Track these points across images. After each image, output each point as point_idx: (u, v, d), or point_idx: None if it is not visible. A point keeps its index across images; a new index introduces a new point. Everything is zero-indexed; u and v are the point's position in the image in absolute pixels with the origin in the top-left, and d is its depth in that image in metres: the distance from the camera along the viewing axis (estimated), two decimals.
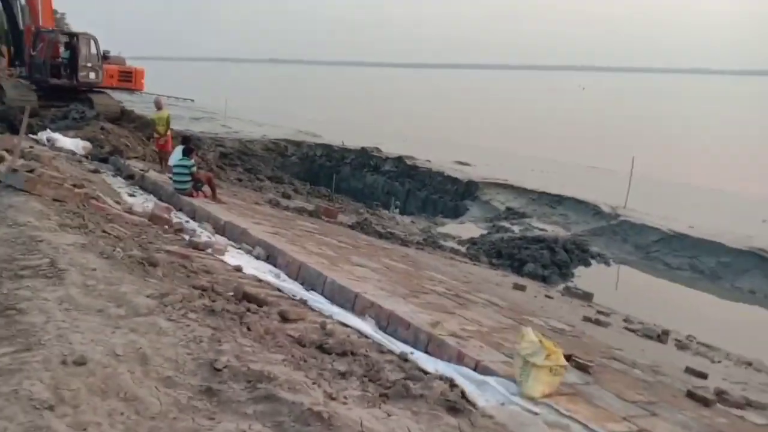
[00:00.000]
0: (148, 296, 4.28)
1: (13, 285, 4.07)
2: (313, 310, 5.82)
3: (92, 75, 18.37)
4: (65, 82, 18.30)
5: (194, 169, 10.25)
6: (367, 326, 5.61)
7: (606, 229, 18.83)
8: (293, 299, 6.04)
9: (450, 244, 17.41)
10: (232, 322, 4.28)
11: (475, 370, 4.80)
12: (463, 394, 4.17)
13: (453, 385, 4.32)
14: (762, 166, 28.03)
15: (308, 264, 7.00)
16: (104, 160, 12.79)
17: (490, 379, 4.54)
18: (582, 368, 5.47)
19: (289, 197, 16.47)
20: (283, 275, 6.92)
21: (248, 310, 4.96)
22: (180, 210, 9.67)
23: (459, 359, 4.98)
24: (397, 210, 22.41)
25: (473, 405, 4.06)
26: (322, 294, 6.49)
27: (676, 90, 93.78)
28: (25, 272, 4.30)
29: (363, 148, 28.49)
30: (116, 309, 4.02)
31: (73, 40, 18.64)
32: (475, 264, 14.49)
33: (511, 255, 16.43)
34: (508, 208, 21.50)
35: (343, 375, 4.10)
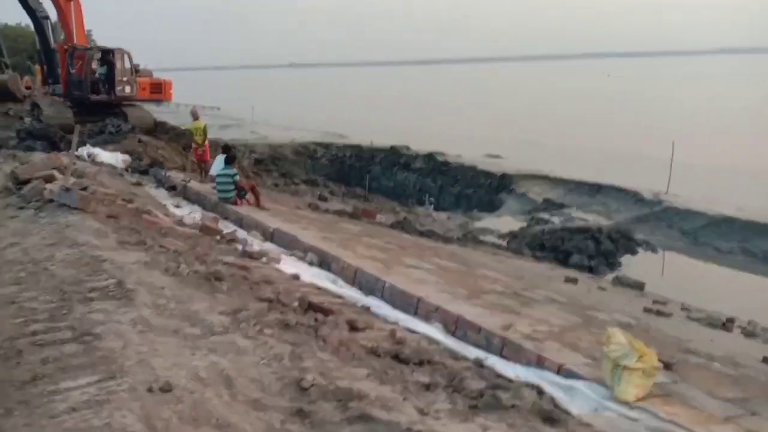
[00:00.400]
0: (220, 313, 4.15)
1: (85, 309, 3.97)
2: (377, 316, 5.65)
3: (128, 89, 18.54)
4: (104, 97, 18.49)
5: (237, 177, 10.18)
6: (435, 331, 5.42)
7: (650, 215, 18.32)
8: (356, 306, 5.88)
9: (490, 238, 17.11)
10: (308, 336, 4.13)
11: (558, 374, 4.56)
12: (554, 402, 3.95)
13: (541, 392, 4.10)
14: None
15: (364, 269, 6.83)
16: (144, 173, 12.83)
17: (577, 384, 4.31)
18: (666, 366, 5.18)
19: (325, 200, 16.36)
20: (340, 281, 6.77)
21: (316, 320, 4.81)
22: (226, 219, 9.59)
23: (539, 363, 4.76)
24: (432, 207, 22.18)
25: (567, 413, 3.84)
26: (381, 299, 6.31)
27: (705, 72, 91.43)
28: (94, 294, 4.21)
29: (392, 147, 28.31)
30: (191, 329, 3.90)
31: (109, 55, 18.79)
32: (520, 258, 14.19)
33: (554, 247, 16.05)
34: (546, 200, 21.09)
35: (427, 387, 3.91)
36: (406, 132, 33.80)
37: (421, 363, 4.40)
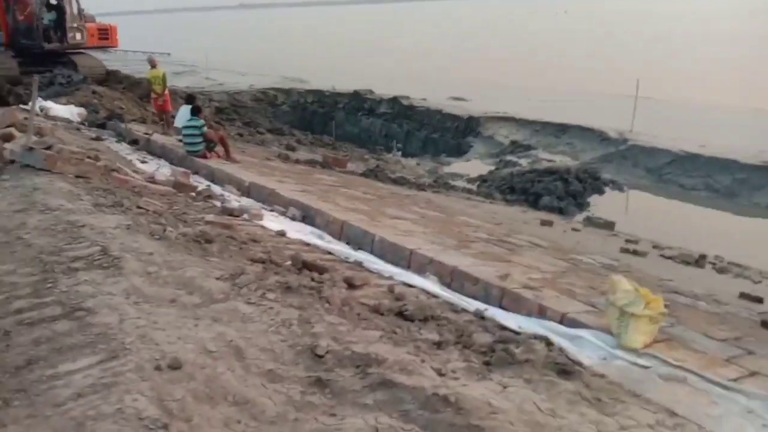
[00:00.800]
0: (218, 278, 3.93)
1: (70, 281, 3.69)
2: (371, 272, 5.50)
3: (78, 35, 17.27)
4: (56, 45, 17.18)
5: (205, 129, 9.71)
6: (431, 285, 5.32)
7: (615, 154, 18.54)
8: (348, 262, 5.72)
9: (460, 183, 17.11)
10: (312, 298, 3.97)
11: (561, 323, 4.54)
12: (564, 354, 3.92)
13: (549, 343, 4.06)
14: (765, 80, 27.53)
15: (351, 222, 6.64)
16: (102, 126, 12.13)
17: (583, 333, 4.29)
18: None
19: (293, 149, 15.94)
20: (327, 236, 6.58)
21: (313, 279, 4.64)
22: (196, 173, 9.20)
23: (540, 313, 4.72)
24: (399, 153, 21.96)
25: (579, 364, 3.82)
26: (372, 253, 6.17)
27: (663, 8, 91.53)
28: (77, 264, 3.91)
29: (355, 92, 27.72)
30: (189, 297, 3.68)
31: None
32: (492, 202, 14.23)
33: (524, 189, 16.17)
34: (513, 142, 21.11)
35: (438, 345, 3.82)
36: (367, 75, 33.03)
37: (425, 319, 4.31)
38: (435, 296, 5.09)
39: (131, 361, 2.91)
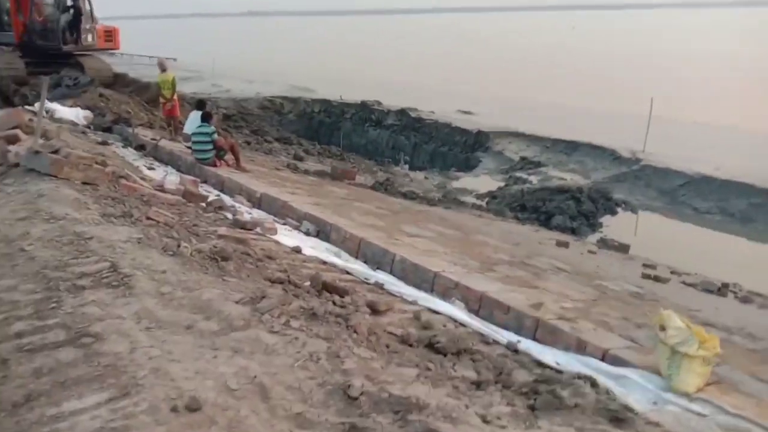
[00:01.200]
0: (237, 302, 3.59)
1: (76, 300, 3.36)
2: (393, 295, 5.17)
3: (89, 37, 16.98)
4: (72, 47, 16.87)
5: (215, 136, 9.39)
6: (458, 311, 4.99)
7: (628, 174, 18.24)
8: (368, 283, 5.39)
9: (470, 199, 16.79)
10: (338, 327, 3.63)
11: (603, 360, 4.21)
12: (612, 397, 3.58)
13: (594, 384, 3.73)
14: None
15: (369, 239, 6.31)
16: (108, 130, 11.81)
17: (629, 373, 3.96)
18: None
19: (301, 159, 15.63)
20: (344, 254, 6.25)
21: (334, 303, 4.31)
22: (205, 182, 8.89)
23: (579, 348, 4.39)
24: (407, 165, 21.68)
25: (630, 410, 3.48)
26: (391, 273, 5.84)
27: (671, 25, 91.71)
28: (84, 281, 3.58)
29: (363, 102, 27.46)
30: (207, 323, 3.34)
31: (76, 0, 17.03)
32: (503, 220, 13.91)
33: (535, 208, 15.85)
34: (523, 158, 20.81)
35: (477, 385, 3.48)
36: (375, 86, 32.82)
37: (458, 353, 3.97)
38: (463, 325, 4.76)
39: (144, 400, 2.58)
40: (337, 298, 4.50)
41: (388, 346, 3.73)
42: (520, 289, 5.64)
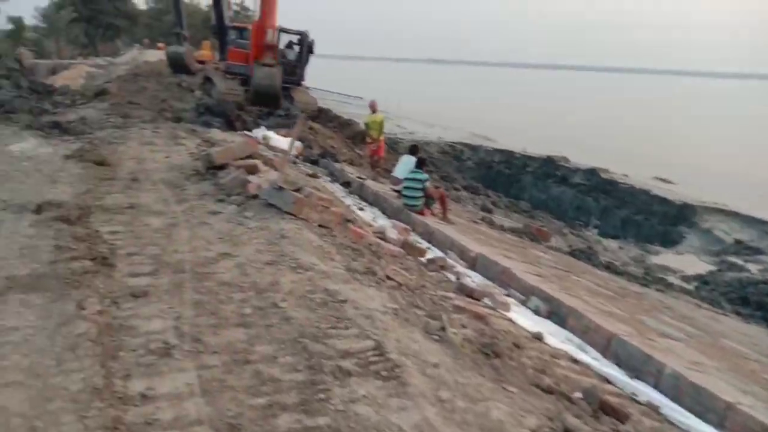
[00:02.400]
0: (533, 431, 2.74)
1: (345, 391, 2.72)
2: (677, 426, 4.02)
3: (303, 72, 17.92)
4: (295, 80, 17.95)
5: (428, 184, 8.89)
6: None
7: None
8: (637, 401, 4.29)
9: (674, 279, 14.79)
10: None
11: None
12: None
13: None
14: None
15: (622, 337, 5.20)
16: (315, 162, 11.95)
17: None
18: None
19: (490, 211, 14.80)
20: (589, 349, 5.21)
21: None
22: (413, 230, 8.35)
23: None
24: (597, 230, 19.96)
25: None
26: (655, 388, 4.67)
27: None
28: (349, 364, 2.96)
29: (549, 157, 26.23)
30: None
31: (306, 38, 18.17)
32: (723, 313, 11.85)
33: (760, 304, 13.45)
34: (738, 241, 18.17)
35: None
36: (556, 141, 31.45)
37: None
38: None
39: None
40: (621, 427, 3.50)
41: None
42: None
